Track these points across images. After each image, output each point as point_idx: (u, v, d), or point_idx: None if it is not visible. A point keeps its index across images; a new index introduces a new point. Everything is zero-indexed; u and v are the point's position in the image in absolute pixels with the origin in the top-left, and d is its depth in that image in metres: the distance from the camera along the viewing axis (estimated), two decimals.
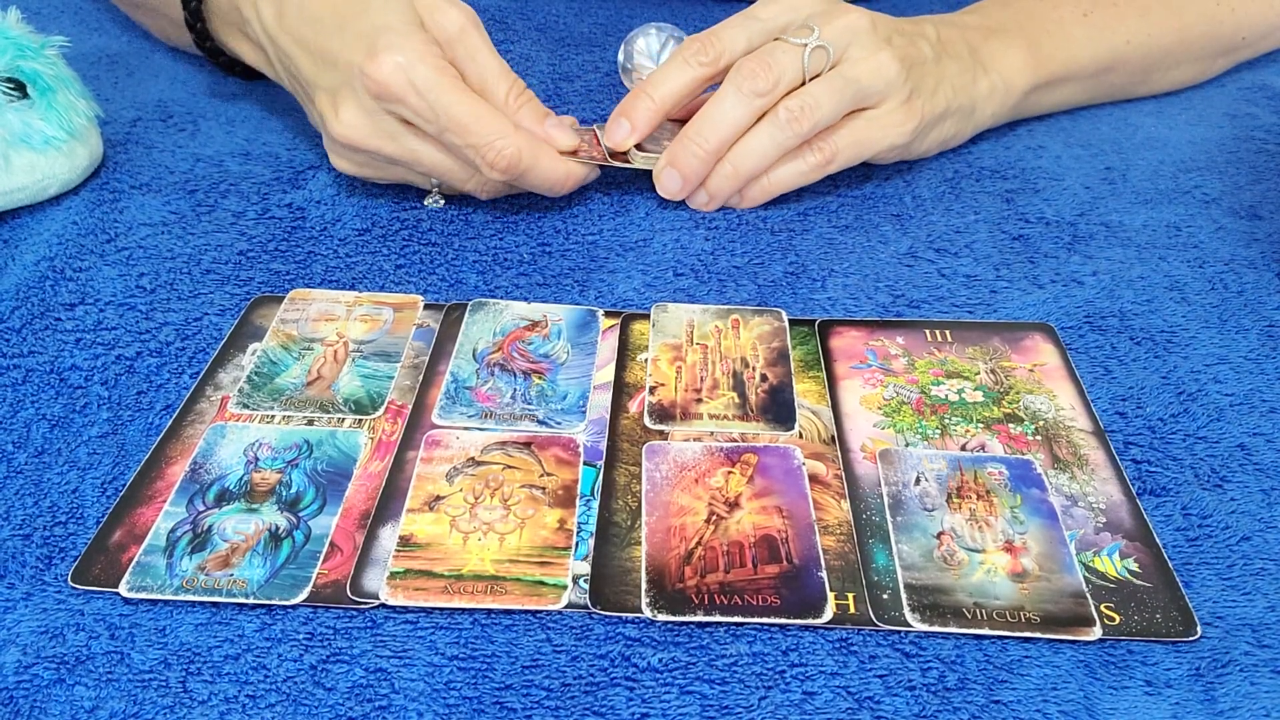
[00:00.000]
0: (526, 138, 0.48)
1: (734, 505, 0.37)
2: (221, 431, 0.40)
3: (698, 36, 0.52)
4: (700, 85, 0.53)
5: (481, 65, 0.50)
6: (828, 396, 0.42)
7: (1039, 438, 0.40)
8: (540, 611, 0.34)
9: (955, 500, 0.38)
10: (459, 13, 0.50)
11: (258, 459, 0.39)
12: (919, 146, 0.56)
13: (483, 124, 0.47)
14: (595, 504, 0.37)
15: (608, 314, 0.47)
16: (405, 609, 0.34)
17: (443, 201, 0.54)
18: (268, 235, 0.52)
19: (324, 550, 0.35)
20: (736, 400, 0.42)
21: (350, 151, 0.51)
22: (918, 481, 0.38)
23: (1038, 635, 0.33)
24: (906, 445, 0.40)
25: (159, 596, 0.34)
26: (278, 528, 0.36)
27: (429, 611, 0.34)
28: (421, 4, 0.49)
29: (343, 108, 0.48)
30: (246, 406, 0.41)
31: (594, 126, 0.56)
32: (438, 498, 0.38)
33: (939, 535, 0.36)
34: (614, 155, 0.53)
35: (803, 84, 0.51)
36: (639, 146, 0.53)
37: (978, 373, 0.44)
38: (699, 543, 0.36)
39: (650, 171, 0.53)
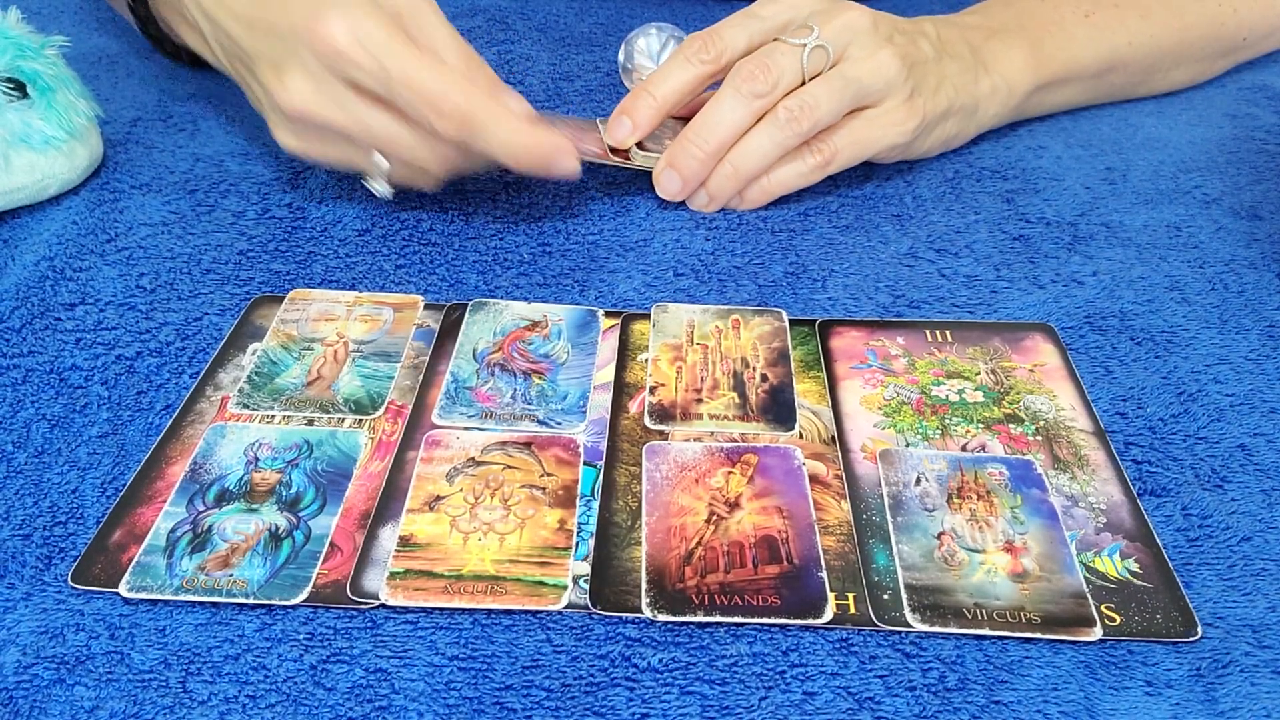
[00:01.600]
0: (482, 94, 0.46)
1: (734, 505, 0.37)
2: (221, 431, 0.40)
3: (699, 35, 0.52)
4: (702, 83, 0.53)
5: (433, 36, 0.48)
6: (828, 396, 0.42)
7: (1039, 438, 0.40)
8: (540, 612, 0.34)
9: (956, 500, 0.37)
10: None
11: (258, 459, 0.39)
12: (920, 146, 0.56)
13: (434, 76, 0.44)
14: (595, 504, 0.37)
15: (608, 314, 0.47)
16: (405, 609, 0.34)
17: (390, 192, 0.51)
18: (268, 235, 0.52)
19: (324, 550, 0.35)
20: (737, 400, 0.42)
21: (298, 125, 0.48)
22: (918, 482, 0.38)
23: (1038, 636, 0.33)
24: (907, 445, 0.40)
25: (159, 596, 0.34)
26: (278, 528, 0.36)
27: (429, 611, 0.34)
28: None
29: (288, 75, 0.46)
30: (246, 406, 0.41)
31: (596, 121, 0.56)
32: (438, 498, 0.38)
33: (939, 535, 0.36)
34: (614, 154, 0.53)
35: (803, 84, 0.51)
36: (640, 145, 0.53)
37: (978, 373, 0.44)
38: (699, 543, 0.36)
39: (650, 171, 0.54)
